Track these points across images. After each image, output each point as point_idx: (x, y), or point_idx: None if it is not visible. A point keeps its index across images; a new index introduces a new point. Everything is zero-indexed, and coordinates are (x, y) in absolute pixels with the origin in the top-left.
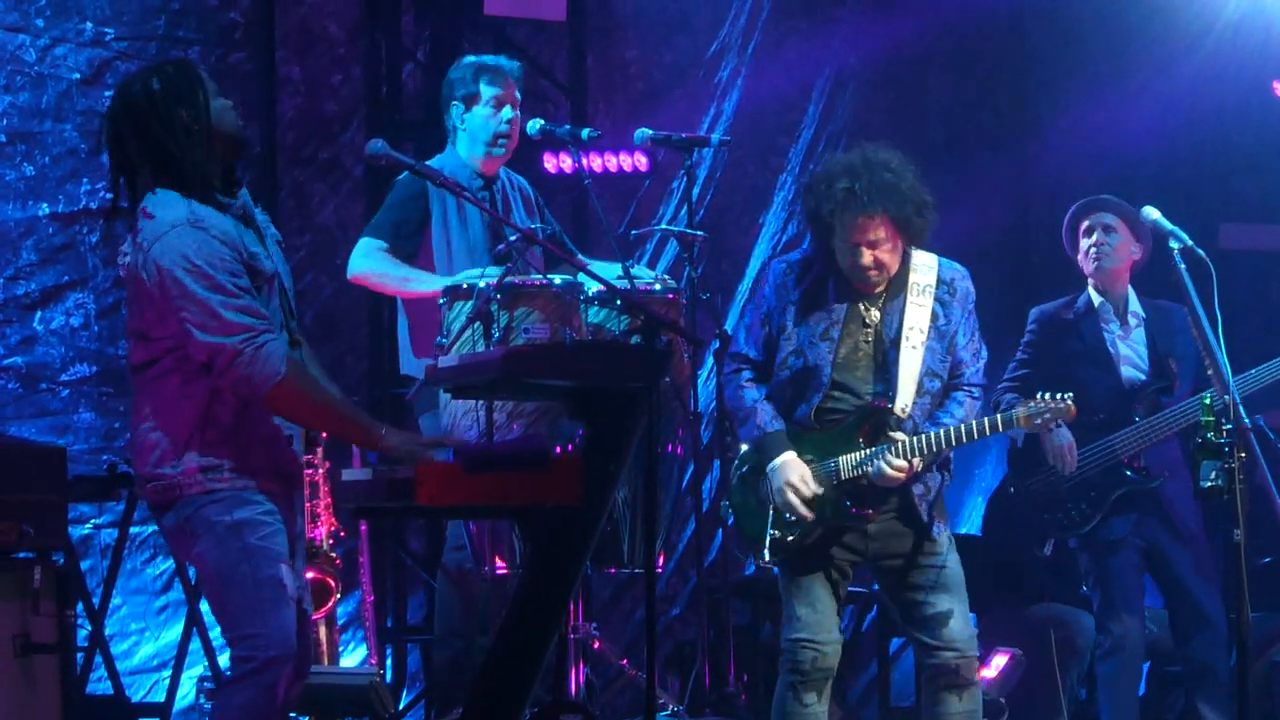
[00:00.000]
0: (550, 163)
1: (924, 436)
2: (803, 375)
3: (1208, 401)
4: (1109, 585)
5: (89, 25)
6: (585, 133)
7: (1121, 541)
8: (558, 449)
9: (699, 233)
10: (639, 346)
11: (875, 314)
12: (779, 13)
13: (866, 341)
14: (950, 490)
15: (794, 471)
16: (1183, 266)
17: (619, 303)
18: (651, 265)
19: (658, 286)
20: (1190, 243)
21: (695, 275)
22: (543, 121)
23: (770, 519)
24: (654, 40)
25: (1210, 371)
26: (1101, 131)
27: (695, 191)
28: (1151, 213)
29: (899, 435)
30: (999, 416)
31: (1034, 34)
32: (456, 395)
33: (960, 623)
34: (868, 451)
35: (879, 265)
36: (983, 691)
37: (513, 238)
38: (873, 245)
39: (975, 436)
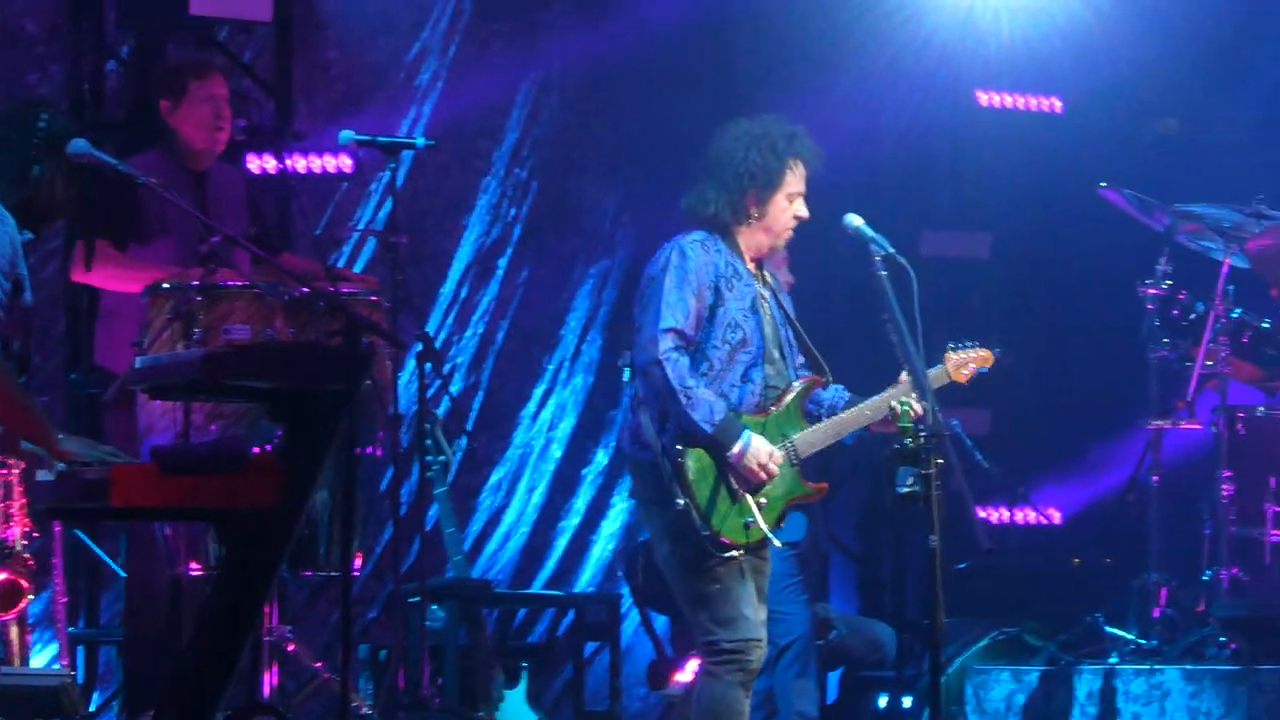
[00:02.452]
0: (254, 163)
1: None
2: (741, 348)
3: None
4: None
5: None
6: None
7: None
8: (255, 450)
9: (401, 235)
10: (340, 348)
11: (766, 288)
12: (481, 16)
13: (771, 315)
14: None
15: (763, 451)
16: (884, 274)
17: (321, 304)
18: (350, 266)
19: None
20: (891, 250)
21: (399, 277)
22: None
23: (749, 504)
24: (356, 41)
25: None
26: None
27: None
28: (854, 220)
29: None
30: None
31: (737, 43)
32: (155, 395)
33: None
34: (848, 413)
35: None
36: (678, 695)
37: (215, 239)
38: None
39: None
